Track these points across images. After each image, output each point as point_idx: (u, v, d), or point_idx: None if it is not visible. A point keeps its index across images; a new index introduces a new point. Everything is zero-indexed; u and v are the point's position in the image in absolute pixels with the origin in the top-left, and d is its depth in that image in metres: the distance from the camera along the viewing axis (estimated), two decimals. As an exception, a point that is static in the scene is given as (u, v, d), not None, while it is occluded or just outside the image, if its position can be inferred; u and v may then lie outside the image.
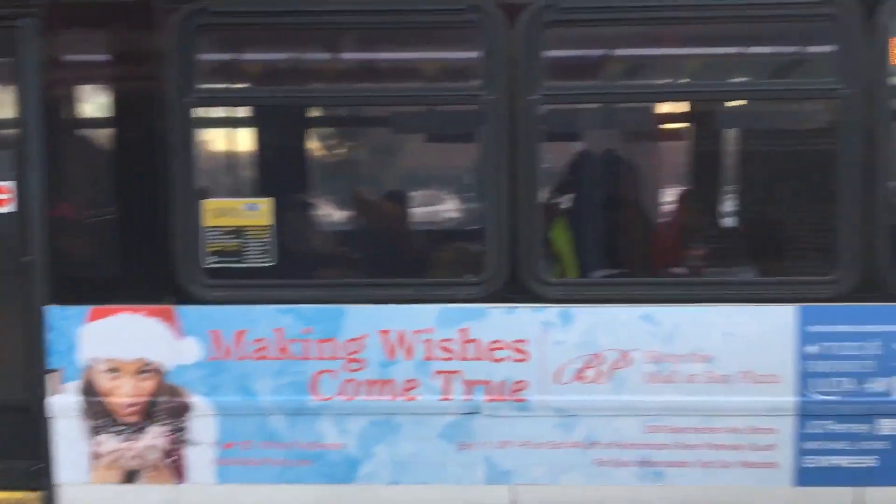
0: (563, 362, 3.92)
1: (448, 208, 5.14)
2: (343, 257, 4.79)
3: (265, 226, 3.99)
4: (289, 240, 4.11)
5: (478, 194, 4.28)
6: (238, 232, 4.04)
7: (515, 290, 3.89)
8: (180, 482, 4.11)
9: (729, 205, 5.30)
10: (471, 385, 3.97)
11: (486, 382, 3.94)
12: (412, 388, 4.01)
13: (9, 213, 3.82)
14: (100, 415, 4.05)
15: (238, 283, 4.06)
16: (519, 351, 3.91)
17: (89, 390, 3.98)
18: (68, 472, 3.96)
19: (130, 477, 4.08)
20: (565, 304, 3.83)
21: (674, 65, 4.99)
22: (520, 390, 3.93)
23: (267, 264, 4.02)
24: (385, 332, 3.99)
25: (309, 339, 4.06)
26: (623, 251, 4.61)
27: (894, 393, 3.78)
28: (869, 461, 3.86)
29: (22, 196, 3.82)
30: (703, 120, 4.99)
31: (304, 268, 4.42)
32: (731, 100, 4.44)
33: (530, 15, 3.58)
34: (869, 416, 3.83)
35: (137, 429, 4.09)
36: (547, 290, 3.86)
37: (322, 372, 4.07)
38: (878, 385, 3.79)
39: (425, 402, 3.96)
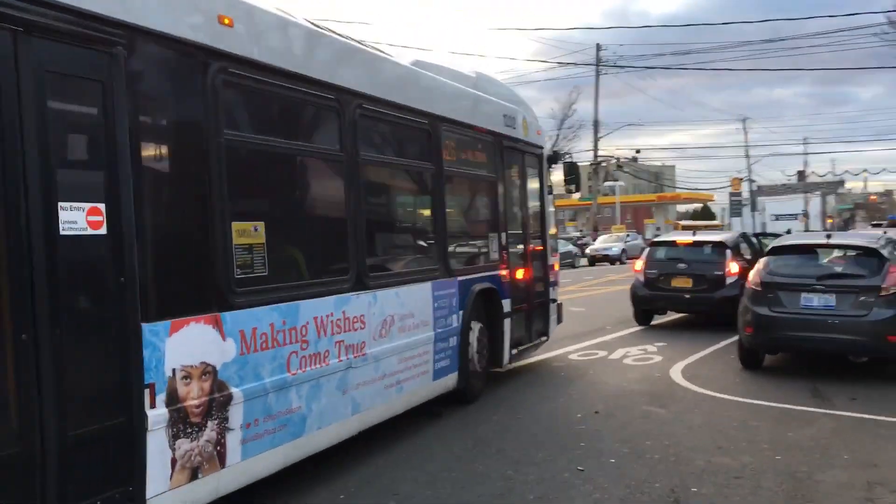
0: (376, 326, 6.40)
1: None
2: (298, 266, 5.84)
3: (262, 243, 5.12)
4: (272, 254, 5.18)
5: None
6: (250, 248, 5.05)
7: (359, 283, 6.18)
8: (223, 468, 4.73)
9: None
10: (347, 348, 5.98)
11: (352, 345, 6.05)
12: (327, 356, 5.74)
13: (101, 236, 3.94)
14: (178, 421, 4.37)
15: (251, 289, 5.00)
16: (362, 321, 6.19)
17: (172, 399, 4.35)
18: (156, 485, 4.19)
19: (195, 474, 4.51)
20: (374, 290, 6.38)
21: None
22: (363, 347, 6.20)
23: (262, 274, 5.12)
24: (315, 317, 5.61)
25: (284, 330, 5.29)
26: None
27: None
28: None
29: (111, 218, 3.98)
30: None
31: (278, 275, 5.33)
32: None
33: None
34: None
35: (201, 427, 4.56)
36: (369, 281, 6.32)
37: (292, 353, 5.37)
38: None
39: (333, 365, 5.80)
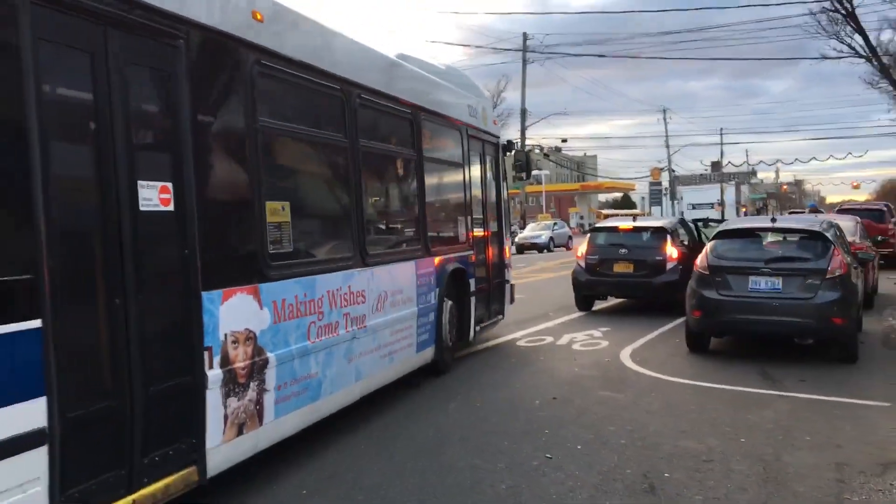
0: (374, 300, 6.88)
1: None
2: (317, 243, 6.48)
3: (287, 222, 5.61)
4: (294, 232, 5.70)
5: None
6: (280, 226, 5.53)
7: (361, 260, 6.68)
8: (261, 426, 5.19)
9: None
10: (352, 320, 6.48)
11: (356, 317, 6.54)
12: (337, 326, 6.22)
13: (170, 212, 4.39)
14: (228, 381, 4.82)
15: (280, 264, 5.46)
16: (363, 295, 6.69)
17: (225, 361, 4.79)
18: (213, 438, 4.64)
19: (241, 430, 4.96)
20: (372, 267, 6.87)
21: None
22: (364, 320, 6.69)
23: (289, 250, 5.62)
24: (328, 291, 6.09)
25: (305, 301, 5.75)
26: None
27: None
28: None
29: (177, 195, 4.43)
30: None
31: (299, 252, 5.86)
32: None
33: None
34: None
35: (245, 388, 5.00)
36: (368, 259, 6.79)
37: (311, 323, 5.84)
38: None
39: (342, 335, 6.28)
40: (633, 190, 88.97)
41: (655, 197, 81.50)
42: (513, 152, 11.72)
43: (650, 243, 13.25)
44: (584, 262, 13.58)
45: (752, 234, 9.96)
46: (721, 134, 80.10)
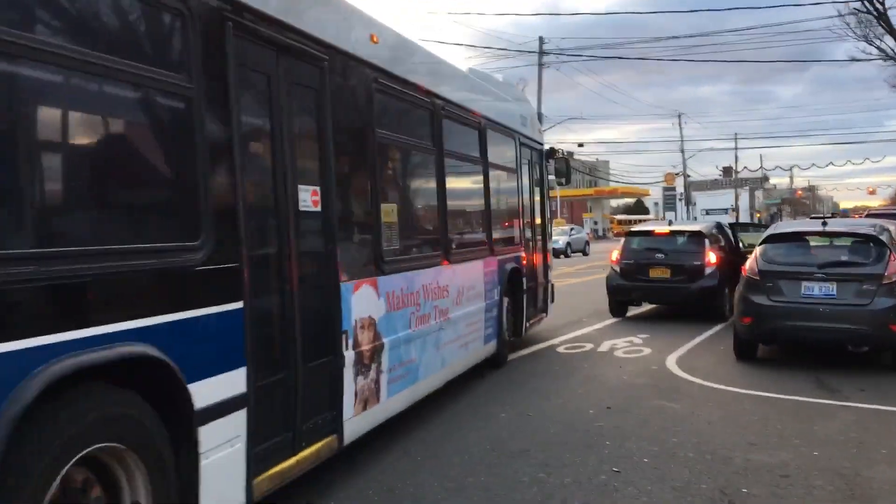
0: (454, 295, 7.44)
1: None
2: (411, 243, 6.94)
3: (395, 222, 6.38)
4: (399, 231, 6.47)
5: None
6: (390, 226, 6.27)
7: (446, 257, 7.35)
8: (378, 403, 5.78)
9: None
10: (440, 311, 7.07)
11: (442, 309, 7.14)
12: (429, 317, 6.83)
13: (318, 212, 5.05)
14: (358, 362, 5.42)
15: (391, 259, 6.11)
16: (447, 290, 7.26)
17: (355, 344, 5.39)
18: (347, 411, 5.26)
19: (365, 406, 5.54)
20: (454, 264, 7.52)
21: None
22: (448, 312, 7.28)
23: (396, 247, 6.36)
24: (423, 285, 6.72)
25: (407, 294, 6.38)
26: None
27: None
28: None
29: (323, 198, 5.09)
30: None
31: (403, 249, 6.53)
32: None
33: None
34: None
35: (368, 368, 5.61)
36: (451, 256, 7.47)
37: (412, 313, 6.43)
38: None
39: (432, 325, 6.91)
40: (648, 195, 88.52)
41: (669, 202, 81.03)
42: (555, 158, 12.21)
43: (688, 248, 12.95)
44: (618, 267, 13.29)
45: (803, 238, 9.66)
46: (736, 139, 79.21)
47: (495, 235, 8.98)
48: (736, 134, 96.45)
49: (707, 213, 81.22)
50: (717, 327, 12.21)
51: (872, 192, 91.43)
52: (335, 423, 5.14)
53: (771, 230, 10.02)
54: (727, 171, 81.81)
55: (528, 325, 10.18)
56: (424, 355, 6.68)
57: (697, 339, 11.10)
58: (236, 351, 4.04)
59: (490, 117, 8.90)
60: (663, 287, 12.90)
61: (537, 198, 11.17)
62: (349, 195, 5.68)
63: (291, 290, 4.65)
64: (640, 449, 6.08)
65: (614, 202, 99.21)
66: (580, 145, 59.21)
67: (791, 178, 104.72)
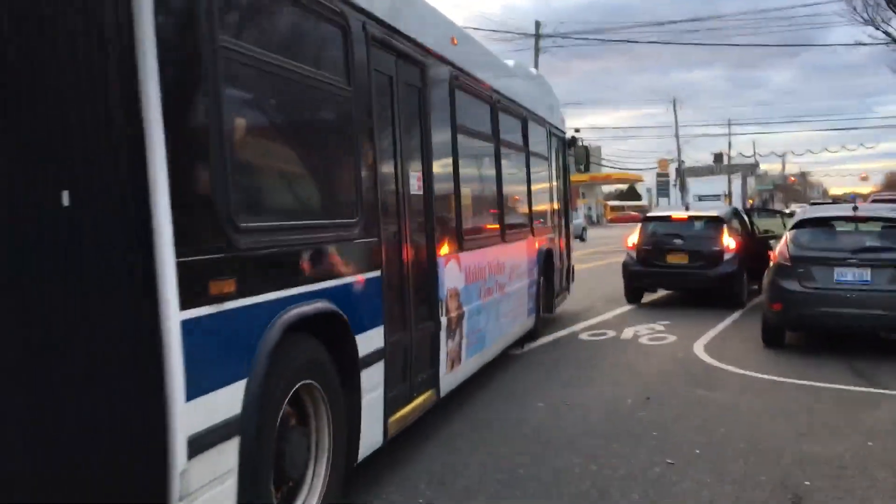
0: (508, 271, 8.17)
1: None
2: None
3: (469, 205, 7.18)
4: (471, 212, 7.28)
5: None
6: (466, 208, 6.98)
7: (503, 237, 8.10)
8: (459, 364, 6.51)
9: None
10: (499, 286, 7.80)
11: (501, 284, 7.87)
12: (492, 290, 7.55)
13: (421, 195, 5.82)
14: (448, 327, 6.17)
15: (468, 238, 6.80)
16: (503, 266, 7.96)
17: (447, 311, 6.16)
18: (442, 369, 6.05)
19: (453, 366, 6.33)
20: (509, 243, 8.29)
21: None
22: (504, 286, 8.01)
23: (470, 227, 7.01)
24: (488, 261, 7.44)
25: (478, 268, 7.10)
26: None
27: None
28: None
29: (425, 182, 5.89)
30: None
31: (474, 229, 7.25)
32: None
33: None
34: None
35: (454, 333, 6.33)
36: (506, 236, 8.21)
37: (481, 285, 7.16)
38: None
39: (495, 298, 7.64)
40: (642, 181, 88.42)
41: (663, 188, 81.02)
42: (575, 146, 12.85)
43: (706, 233, 12.75)
44: (635, 253, 13.09)
45: (834, 224, 9.47)
46: (729, 125, 79.18)
47: (535, 218, 9.69)
48: (729, 120, 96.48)
49: (700, 199, 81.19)
50: (737, 314, 12.05)
51: (865, 178, 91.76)
52: (434, 379, 5.95)
53: (800, 215, 9.82)
54: (718, 157, 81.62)
55: (556, 300, 11.02)
56: (489, 324, 7.44)
57: (720, 326, 10.93)
58: (378, 311, 4.82)
59: (529, 108, 9.55)
60: (681, 273, 12.70)
61: (562, 183, 11.84)
62: (440, 179, 6.25)
63: (408, 261, 5.46)
64: (688, 440, 5.89)
65: (606, 188, 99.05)
66: (577, 131, 58.46)
67: (783, 164, 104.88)
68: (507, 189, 8.39)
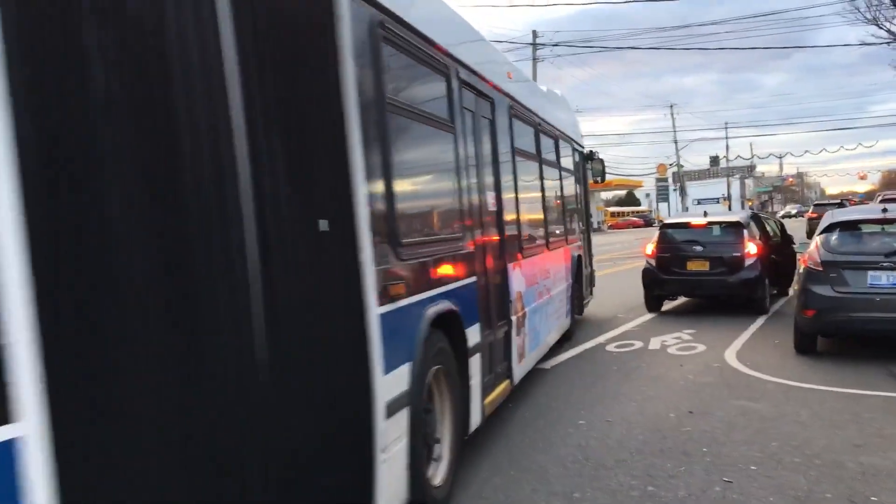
0: (553, 275, 9.08)
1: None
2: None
3: (525, 216, 7.91)
4: (526, 224, 8.01)
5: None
6: (523, 219, 7.82)
7: (547, 244, 8.94)
8: (524, 358, 7.37)
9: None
10: (547, 289, 8.67)
11: (548, 287, 8.72)
12: (543, 293, 8.40)
13: (496, 210, 6.74)
14: (516, 325, 6.96)
15: (525, 247, 7.64)
16: (549, 271, 8.86)
17: (515, 311, 6.96)
18: (514, 361, 6.87)
19: (520, 358, 7.17)
20: (552, 250, 9.18)
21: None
22: (551, 289, 8.90)
23: (526, 236, 7.84)
24: (539, 267, 8.31)
25: (531, 273, 7.87)
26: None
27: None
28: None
29: (497, 200, 6.80)
30: None
31: (528, 238, 8.01)
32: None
33: None
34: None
35: (520, 330, 7.16)
36: (550, 245, 9.04)
37: (535, 289, 7.98)
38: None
39: (545, 300, 8.49)
40: (641, 186, 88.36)
41: (662, 193, 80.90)
42: (593, 160, 13.56)
43: (726, 239, 12.58)
44: (654, 261, 12.93)
45: (864, 226, 9.32)
46: (726, 128, 79.21)
47: (567, 227, 10.59)
48: (726, 123, 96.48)
49: (699, 203, 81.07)
50: (761, 320, 11.88)
51: (864, 178, 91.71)
52: (509, 370, 6.77)
53: (829, 219, 9.66)
54: (714, 160, 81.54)
55: (585, 303, 11.91)
56: (542, 323, 8.28)
57: (747, 333, 10.76)
58: (475, 311, 5.68)
59: (559, 128, 10.48)
60: (702, 280, 12.53)
61: (584, 194, 12.78)
62: (506, 196, 7.00)
63: (490, 269, 6.26)
64: (742, 455, 5.72)
65: (605, 194, 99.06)
66: (576, 138, 58.32)
67: (780, 165, 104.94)
68: (548, 202, 9.26)
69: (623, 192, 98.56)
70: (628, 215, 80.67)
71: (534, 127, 8.75)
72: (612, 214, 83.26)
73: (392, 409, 3.89)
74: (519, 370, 7.06)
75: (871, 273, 8.57)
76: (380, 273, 3.86)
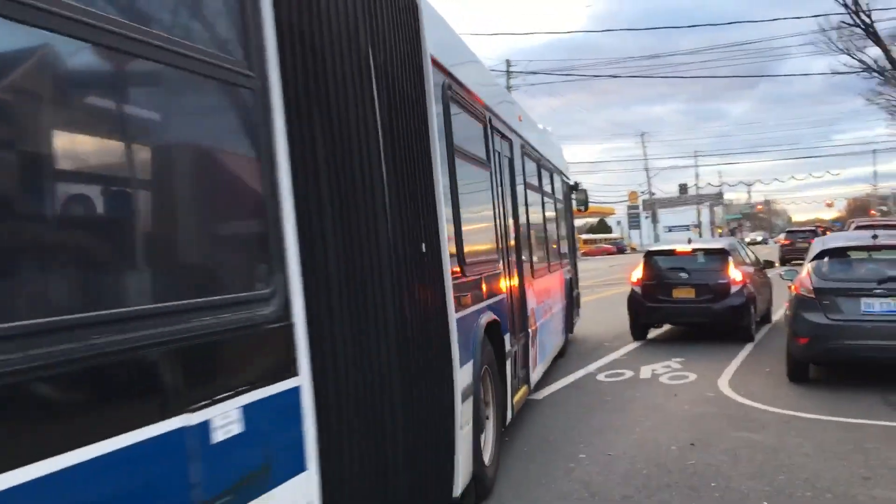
0: (554, 294, 10.15)
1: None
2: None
3: (533, 241, 9.08)
4: (537, 247, 9.44)
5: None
6: (535, 244, 9.33)
7: (551, 267, 10.18)
8: (536, 367, 8.34)
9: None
10: (550, 306, 9.74)
11: (551, 305, 9.83)
12: (548, 310, 9.46)
13: (516, 237, 7.67)
14: (531, 337, 7.90)
15: (536, 267, 8.77)
16: (551, 291, 9.96)
17: (531, 325, 7.93)
18: (531, 369, 7.99)
19: (535, 365, 8.30)
20: (554, 272, 10.47)
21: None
22: (553, 307, 10.00)
23: (536, 259, 9.00)
24: (544, 286, 9.33)
25: (541, 291, 8.92)
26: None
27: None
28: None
29: (516, 228, 7.79)
30: None
31: (539, 260, 9.33)
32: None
33: None
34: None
35: (533, 341, 8.03)
36: (553, 266, 10.30)
37: (541, 306, 8.93)
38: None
39: (549, 317, 9.53)
40: (613, 214, 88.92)
41: (634, 220, 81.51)
42: (576, 190, 14.50)
43: (711, 266, 12.54)
44: (640, 289, 12.84)
45: (855, 253, 9.29)
46: (696, 156, 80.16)
47: (561, 252, 11.69)
48: (696, 152, 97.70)
49: (669, 230, 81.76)
50: (748, 347, 11.81)
51: (830, 205, 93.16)
52: (527, 376, 7.73)
53: (820, 246, 9.62)
54: (683, 188, 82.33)
55: (574, 322, 12.68)
56: (547, 338, 9.20)
57: (736, 361, 10.66)
58: (507, 322, 6.50)
59: (553, 162, 11.52)
60: (688, 307, 12.46)
61: (571, 222, 13.91)
62: (521, 223, 8.01)
63: (514, 286, 7.14)
64: (751, 490, 5.56)
65: (577, 222, 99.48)
66: (550, 166, 58.63)
67: (749, 193, 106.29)
68: (549, 229, 10.46)
69: (595, 220, 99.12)
70: (600, 242, 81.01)
71: (536, 163, 9.77)
72: (585, 241, 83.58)
73: (464, 395, 4.79)
74: (534, 377, 8.16)
75: (864, 300, 8.52)
76: (455, 286, 4.78)
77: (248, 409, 2.47)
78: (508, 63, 47.81)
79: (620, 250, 78.28)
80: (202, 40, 2.57)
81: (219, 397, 2.36)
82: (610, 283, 26.51)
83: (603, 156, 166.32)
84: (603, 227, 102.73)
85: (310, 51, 3.12)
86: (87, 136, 2.20)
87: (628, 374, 10.15)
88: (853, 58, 23.44)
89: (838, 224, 34.31)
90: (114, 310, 2.08)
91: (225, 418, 2.36)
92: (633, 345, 12.68)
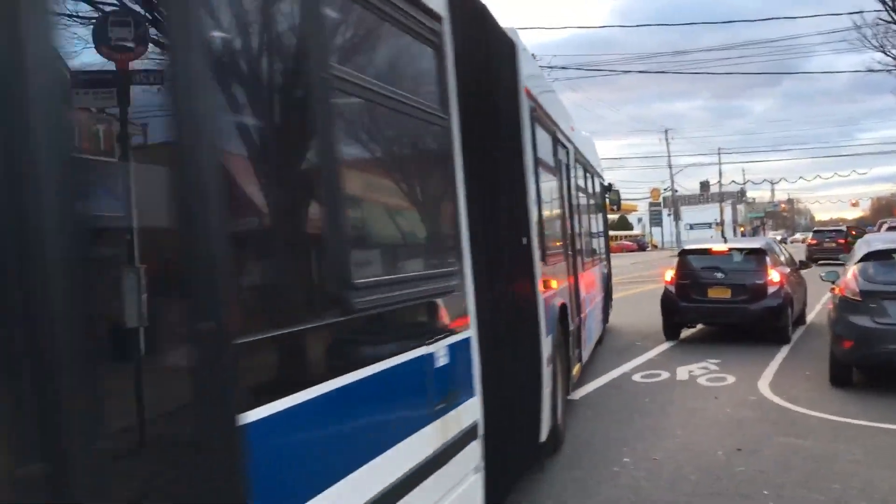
0: (598, 286, 11.51)
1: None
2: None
3: (582, 235, 10.20)
4: (582, 241, 10.13)
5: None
6: (585, 237, 10.53)
7: (592, 262, 11.13)
8: (585, 348, 9.23)
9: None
10: (594, 297, 10.71)
11: (595, 296, 10.81)
12: (592, 300, 10.33)
13: (570, 231, 8.77)
14: (581, 323, 8.72)
15: (583, 261, 9.65)
16: (595, 283, 11.18)
17: (580, 312, 8.70)
18: (583, 349, 9.06)
19: (585, 347, 9.27)
20: (595, 266, 11.59)
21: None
22: (595, 298, 10.87)
23: (583, 251, 9.94)
24: (590, 279, 10.39)
25: (587, 282, 9.90)
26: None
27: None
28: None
29: (571, 222, 8.79)
30: None
31: (586, 254, 10.29)
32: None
33: None
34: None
35: (583, 326, 8.84)
36: (595, 259, 11.62)
37: (587, 296, 9.58)
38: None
39: (594, 306, 10.54)
40: (636, 211, 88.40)
41: (656, 217, 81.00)
42: (610, 190, 15.33)
43: (748, 266, 12.32)
44: (674, 288, 12.64)
45: (900, 255, 9.05)
46: (719, 153, 79.37)
47: (600, 247, 12.64)
48: (719, 149, 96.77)
49: (691, 228, 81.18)
50: (785, 349, 11.59)
51: (855, 204, 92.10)
52: (580, 356, 8.63)
53: (865, 247, 9.39)
54: (704, 185, 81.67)
55: (609, 314, 13.62)
56: (592, 325, 10.04)
57: (774, 364, 10.46)
58: (570, 306, 7.45)
59: (593, 165, 12.25)
60: (724, 308, 12.24)
61: (605, 220, 14.53)
62: (574, 223, 8.89)
63: (572, 276, 8.04)
64: (805, 499, 5.41)
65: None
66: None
67: (772, 191, 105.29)
68: (592, 226, 11.53)
69: (616, 217, 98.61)
70: (621, 239, 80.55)
71: (584, 167, 10.75)
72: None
73: (547, 361, 5.71)
74: (584, 356, 9.18)
75: (911, 304, 8.29)
76: (541, 271, 5.78)
77: (449, 349, 3.54)
78: (534, 57, 47.63)
79: (641, 247, 77.81)
80: (423, 95, 3.70)
81: (438, 337, 3.47)
82: (634, 281, 26.27)
83: (624, 152, 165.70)
84: (623, 223, 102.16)
85: (473, 98, 4.20)
86: (400, 172, 3.70)
87: (665, 374, 9.98)
88: (888, 55, 23.06)
89: (871, 227, 33.71)
90: (410, 273, 3.53)
91: (441, 352, 3.43)
92: (666, 344, 12.48)
